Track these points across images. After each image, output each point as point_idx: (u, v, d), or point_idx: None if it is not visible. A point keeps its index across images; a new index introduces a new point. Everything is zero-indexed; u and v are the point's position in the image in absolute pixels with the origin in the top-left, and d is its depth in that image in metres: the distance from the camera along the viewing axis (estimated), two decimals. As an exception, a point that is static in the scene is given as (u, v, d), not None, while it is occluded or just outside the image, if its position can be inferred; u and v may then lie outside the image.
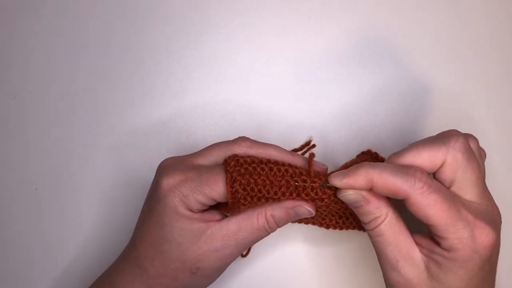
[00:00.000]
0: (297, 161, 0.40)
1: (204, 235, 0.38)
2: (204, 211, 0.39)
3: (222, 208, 0.39)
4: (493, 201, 0.37)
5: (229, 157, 0.39)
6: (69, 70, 0.51)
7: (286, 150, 0.41)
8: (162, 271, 0.38)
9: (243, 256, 0.46)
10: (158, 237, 0.38)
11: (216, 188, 0.37)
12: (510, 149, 0.50)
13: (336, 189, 0.37)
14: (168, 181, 0.38)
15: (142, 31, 0.52)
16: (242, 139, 0.40)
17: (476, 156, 0.36)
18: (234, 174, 0.37)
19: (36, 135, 0.51)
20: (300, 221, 0.43)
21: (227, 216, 0.40)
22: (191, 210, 0.38)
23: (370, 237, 0.37)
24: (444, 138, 0.36)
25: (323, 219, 0.43)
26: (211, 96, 0.51)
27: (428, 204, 0.34)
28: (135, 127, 0.50)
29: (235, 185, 0.36)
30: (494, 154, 0.49)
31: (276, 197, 0.37)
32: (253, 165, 0.37)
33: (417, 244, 0.36)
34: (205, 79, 0.51)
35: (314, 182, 0.37)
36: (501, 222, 0.36)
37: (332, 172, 0.37)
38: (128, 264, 0.40)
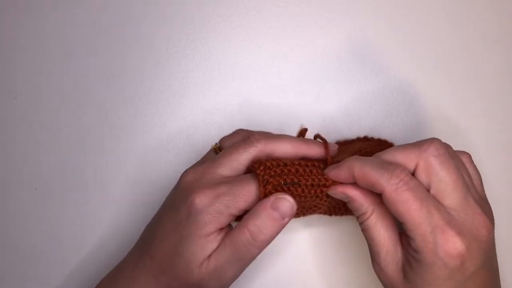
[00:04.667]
0: (314, 150, 0.40)
1: (205, 261, 0.37)
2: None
3: None
4: (479, 210, 0.35)
5: (256, 162, 0.39)
6: (69, 70, 0.51)
7: (299, 140, 0.40)
8: (170, 284, 0.38)
9: None
10: (173, 251, 0.38)
11: (249, 199, 0.37)
12: (510, 147, 0.50)
13: None
14: (201, 199, 0.37)
15: (142, 31, 0.51)
16: (256, 139, 0.40)
17: (453, 159, 0.36)
18: (266, 177, 0.37)
19: (36, 135, 0.51)
20: (305, 211, 0.43)
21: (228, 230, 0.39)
22: (221, 227, 0.38)
23: (361, 230, 0.39)
24: (420, 141, 0.37)
25: (328, 207, 0.43)
26: (211, 96, 0.51)
27: (400, 201, 0.34)
28: (134, 127, 0.50)
29: (268, 187, 0.37)
30: (493, 154, 0.50)
31: (303, 194, 0.38)
32: (280, 167, 0.38)
33: (401, 242, 0.37)
34: (205, 79, 0.51)
35: (328, 181, 0.38)
36: (485, 234, 0.35)
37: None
38: (142, 274, 0.39)
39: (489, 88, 0.51)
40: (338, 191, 0.38)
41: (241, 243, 0.37)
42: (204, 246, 0.37)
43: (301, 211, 0.42)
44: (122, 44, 0.51)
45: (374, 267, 0.38)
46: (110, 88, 0.51)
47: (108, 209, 0.50)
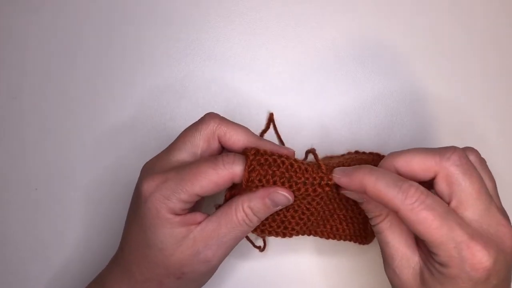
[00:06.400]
0: (266, 145, 0.39)
1: (186, 240, 0.37)
2: (186, 213, 0.38)
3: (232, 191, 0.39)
4: (504, 221, 0.34)
5: (250, 148, 0.38)
6: (68, 70, 0.51)
7: (255, 134, 0.40)
8: (148, 276, 0.38)
9: (261, 250, 0.46)
10: (142, 242, 0.37)
11: (197, 182, 0.36)
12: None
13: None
14: (148, 185, 0.37)
15: (142, 31, 0.51)
16: (210, 116, 0.39)
17: (475, 169, 0.35)
18: (254, 163, 0.36)
19: (35, 135, 0.51)
20: (302, 232, 0.43)
21: (209, 215, 0.39)
22: (174, 213, 0.37)
23: (374, 231, 0.38)
24: (441, 149, 0.35)
25: (325, 225, 0.43)
26: (211, 96, 0.51)
27: (417, 221, 0.33)
28: (136, 127, 0.50)
29: (252, 174, 0.36)
30: (494, 155, 0.50)
31: (291, 190, 0.37)
32: (274, 157, 0.37)
33: (419, 247, 0.36)
34: (205, 79, 0.51)
35: (330, 180, 0.37)
36: (510, 245, 0.34)
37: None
38: (117, 267, 0.40)
39: (491, 87, 0.51)
40: (354, 190, 0.37)
41: (231, 221, 0.37)
42: (171, 234, 0.36)
43: (305, 228, 0.42)
44: (122, 44, 0.51)
45: (387, 271, 0.37)
46: (110, 88, 0.51)
47: (109, 209, 0.50)
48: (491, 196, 0.35)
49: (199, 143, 0.39)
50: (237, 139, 0.39)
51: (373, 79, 0.51)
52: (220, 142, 0.39)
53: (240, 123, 0.49)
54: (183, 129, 0.50)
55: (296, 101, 0.50)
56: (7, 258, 0.49)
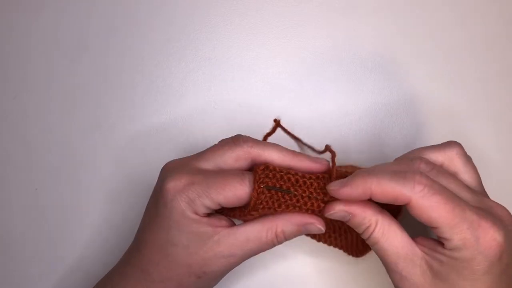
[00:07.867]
0: (301, 162, 0.39)
1: (211, 240, 0.37)
2: (210, 216, 0.38)
3: (228, 213, 0.39)
4: (494, 202, 0.36)
5: (260, 164, 0.38)
6: (69, 70, 0.51)
7: (288, 150, 0.40)
8: (167, 276, 0.38)
9: None
10: (164, 241, 0.37)
11: (223, 192, 0.36)
12: (510, 147, 0.50)
13: None
14: (175, 184, 0.37)
15: (142, 31, 0.51)
16: (244, 140, 0.39)
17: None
18: (262, 176, 0.37)
19: (36, 135, 0.51)
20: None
21: (234, 223, 0.39)
22: (197, 214, 0.37)
23: (370, 245, 0.37)
24: (441, 144, 0.37)
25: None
26: (211, 96, 0.51)
27: (431, 206, 0.33)
28: (135, 127, 0.50)
29: (261, 187, 0.36)
30: (492, 154, 0.50)
31: (298, 205, 0.37)
32: (281, 173, 0.37)
33: (419, 245, 0.36)
34: (205, 80, 0.51)
35: (323, 200, 0.37)
36: (510, 223, 0.35)
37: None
38: (130, 268, 0.40)
39: (491, 88, 0.51)
40: (338, 210, 0.36)
41: (260, 239, 0.37)
42: (198, 232, 0.37)
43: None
44: (122, 44, 0.51)
45: (394, 278, 0.36)
46: (110, 89, 0.51)
47: (110, 209, 0.50)
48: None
49: (228, 161, 0.39)
50: (271, 160, 0.39)
51: (373, 79, 0.50)
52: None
53: (240, 124, 0.50)
54: (182, 129, 0.50)
55: (296, 101, 0.50)
56: (7, 258, 0.49)
